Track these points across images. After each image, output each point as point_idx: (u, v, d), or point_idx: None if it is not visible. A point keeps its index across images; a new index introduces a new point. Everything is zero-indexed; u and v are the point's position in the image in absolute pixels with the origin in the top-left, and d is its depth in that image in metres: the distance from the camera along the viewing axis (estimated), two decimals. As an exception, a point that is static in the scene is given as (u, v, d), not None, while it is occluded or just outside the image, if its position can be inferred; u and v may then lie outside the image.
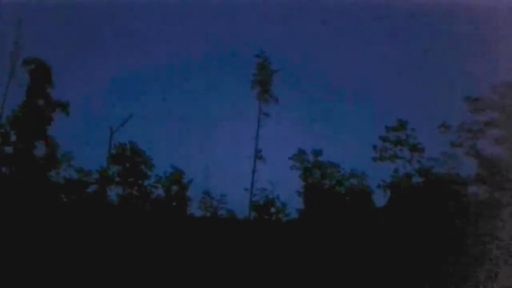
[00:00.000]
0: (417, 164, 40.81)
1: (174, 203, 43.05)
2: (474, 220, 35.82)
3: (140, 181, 42.61)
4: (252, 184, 42.64)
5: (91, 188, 41.48)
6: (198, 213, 44.36)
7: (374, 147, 41.95)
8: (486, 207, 36.86)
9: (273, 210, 43.79)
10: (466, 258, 33.32)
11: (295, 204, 43.36)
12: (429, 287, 31.28)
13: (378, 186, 40.94)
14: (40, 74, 39.45)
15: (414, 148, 41.26)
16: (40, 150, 39.89)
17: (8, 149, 39.49)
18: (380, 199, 41.08)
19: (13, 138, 39.40)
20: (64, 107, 39.63)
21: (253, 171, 42.68)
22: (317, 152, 43.89)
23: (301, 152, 44.09)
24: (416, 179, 40.55)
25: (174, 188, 43.39)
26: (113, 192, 42.35)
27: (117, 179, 42.22)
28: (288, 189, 43.74)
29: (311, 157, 43.98)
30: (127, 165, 42.48)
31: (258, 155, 42.86)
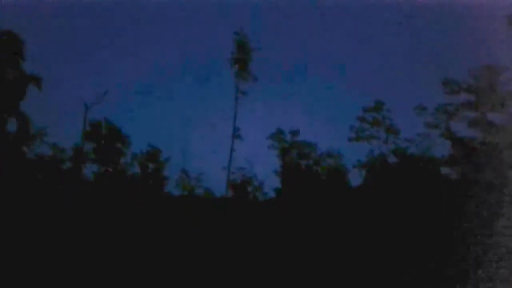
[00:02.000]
0: (392, 145, 41.36)
1: (150, 181, 42.73)
2: (445, 200, 36.64)
3: (115, 159, 42.03)
4: (229, 163, 42.53)
5: (66, 165, 40.78)
6: (175, 191, 44.24)
7: (351, 127, 42.29)
8: (458, 187, 37.72)
9: (250, 189, 43.94)
10: (436, 238, 34.16)
11: (272, 183, 43.64)
12: (403, 266, 31.99)
13: (354, 166, 41.39)
14: (12, 46, 38.15)
15: (390, 129, 41.72)
16: (12, 125, 38.87)
17: (-21, 124, 38.32)
18: (355, 179, 41.61)
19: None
20: (37, 80, 38.48)
21: (231, 150, 42.54)
22: (295, 132, 44.01)
23: (279, 131, 44.15)
24: (391, 160, 41.13)
25: (151, 166, 43.02)
26: (88, 170, 41.77)
27: (92, 156, 41.56)
28: (265, 168, 43.96)
29: (289, 137, 44.12)
30: (103, 142, 41.79)
31: (235, 134, 42.67)
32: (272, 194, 43.69)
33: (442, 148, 40.75)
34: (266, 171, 43.94)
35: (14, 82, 38.45)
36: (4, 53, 38.33)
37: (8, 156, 38.19)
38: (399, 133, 41.52)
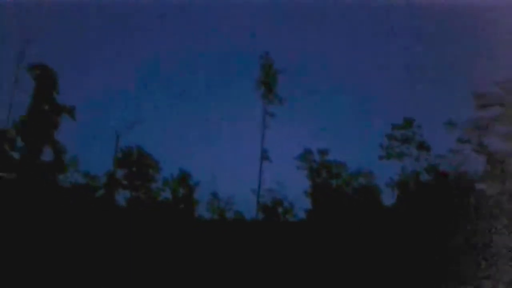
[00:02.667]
0: (424, 162, 40.72)
1: (181, 206, 42.98)
2: (482, 217, 35.74)
3: (147, 184, 42.55)
4: (259, 185, 42.54)
5: (99, 192, 41.43)
6: (206, 215, 44.34)
7: (381, 145, 41.88)
8: (494, 203, 36.78)
9: (280, 210, 43.69)
10: (473, 255, 33.25)
11: (302, 204, 43.31)
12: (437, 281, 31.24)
13: (387, 185, 40.85)
14: (46, 80, 39.46)
15: (421, 145, 41.17)
16: (47, 155, 39.84)
17: (15, 154, 39.43)
18: (388, 197, 41.00)
19: (20, 143, 39.33)
20: (70, 111, 39.59)
21: (260, 172, 42.57)
22: (324, 152, 43.81)
23: (308, 151, 44.03)
24: (424, 177, 40.45)
25: (181, 190, 43.33)
26: (121, 196, 42.35)
27: (124, 182, 42.16)
28: (295, 190, 43.76)
29: (317, 157, 43.93)
30: (134, 168, 42.41)
31: (264, 156, 42.75)
32: (302, 215, 43.36)
33: (475, 164, 39.93)
34: (296, 193, 43.72)
35: (48, 113, 39.60)
36: (38, 85, 39.61)
37: (44, 185, 39.06)
38: (431, 150, 40.90)
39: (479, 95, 40.31)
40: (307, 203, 43.01)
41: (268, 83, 43.89)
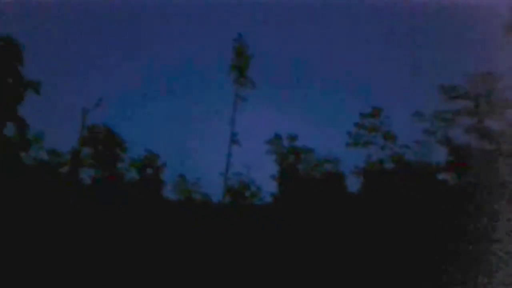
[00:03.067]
0: (389, 151, 41.42)
1: (148, 186, 42.77)
2: (442, 206, 36.69)
3: (113, 164, 42.10)
4: (227, 168, 42.59)
5: (63, 169, 40.82)
6: (172, 196, 44.26)
7: (349, 133, 42.36)
8: (454, 194, 37.79)
9: (247, 194, 43.94)
10: (433, 242, 34.19)
11: (269, 188, 43.64)
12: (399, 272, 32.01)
13: (352, 172, 41.44)
14: (10, 52, 38.28)
15: (387, 135, 41.79)
16: (10, 130, 38.94)
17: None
18: (353, 184, 41.65)
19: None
20: (35, 86, 38.61)
21: (228, 155, 42.60)
22: (293, 137, 44.09)
23: (277, 136, 44.22)
24: (389, 166, 41.18)
25: (148, 171, 43.07)
26: (86, 174, 41.81)
27: (90, 161, 41.61)
28: (263, 173, 43.97)
29: (286, 142, 44.19)
30: (100, 147, 41.86)
31: (233, 139, 42.74)
32: (269, 199, 43.71)
33: (439, 155, 40.82)
34: (264, 177, 43.98)
35: (12, 87, 38.55)
36: (2, 58, 38.44)
37: (6, 161, 38.24)
38: (396, 139, 41.58)
39: (446, 88, 41.06)
40: (274, 187, 43.38)
41: (240, 67, 43.67)
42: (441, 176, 40.64)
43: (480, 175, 38.33)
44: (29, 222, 34.48)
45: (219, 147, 42.91)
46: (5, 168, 37.80)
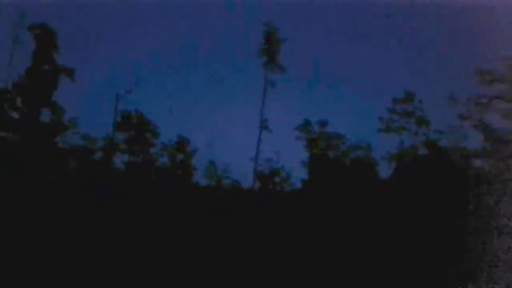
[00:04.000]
0: (423, 137, 40.68)
1: (179, 172, 43.23)
2: (477, 194, 35.89)
3: (145, 149, 42.69)
4: (257, 154, 42.61)
5: (97, 155, 41.64)
6: (203, 182, 44.63)
7: (381, 119, 41.75)
8: (491, 181, 36.87)
9: (277, 180, 43.95)
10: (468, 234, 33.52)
11: (299, 175, 43.52)
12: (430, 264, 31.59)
13: (383, 158, 40.92)
14: (45, 39, 39.07)
15: (420, 120, 41.01)
16: (45, 116, 39.87)
17: (15, 115, 39.46)
18: (385, 171, 41.15)
19: (19, 103, 39.30)
20: (69, 72, 39.37)
21: (258, 141, 42.58)
22: (323, 123, 43.74)
23: (307, 122, 43.94)
24: (422, 152, 40.48)
25: (179, 156, 43.51)
26: (119, 160, 42.56)
27: (122, 146, 42.30)
28: (293, 160, 43.84)
29: (316, 128, 43.85)
30: (132, 132, 42.47)
31: (263, 125, 42.67)
32: (299, 185, 43.64)
33: (474, 141, 39.83)
34: (294, 163, 43.84)
35: (47, 74, 39.37)
36: (38, 45, 39.27)
37: (42, 146, 39.20)
38: (430, 125, 40.78)
39: (481, 72, 39.88)
40: (304, 173, 43.23)
41: (270, 52, 43.37)
42: (477, 162, 39.69)
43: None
44: (64, 208, 35.33)
45: (249, 133, 42.90)
46: (41, 152, 38.76)
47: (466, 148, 39.67)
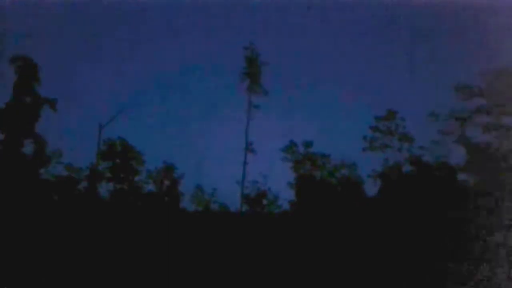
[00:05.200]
0: (407, 153, 41.07)
1: (166, 198, 42.93)
2: (463, 208, 36.19)
3: (131, 177, 42.39)
4: (243, 177, 42.60)
5: (82, 185, 41.22)
6: (190, 207, 44.34)
7: (364, 137, 42.12)
8: (475, 195, 37.23)
9: (265, 202, 43.84)
10: (457, 245, 33.69)
11: (287, 196, 43.49)
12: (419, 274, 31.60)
13: (369, 176, 41.14)
14: (27, 71, 39.02)
15: (403, 137, 41.48)
16: (28, 147, 39.50)
17: (-4, 148, 39.01)
18: (371, 188, 41.34)
19: (0, 136, 38.93)
20: (51, 103, 39.24)
21: (244, 164, 42.62)
22: (308, 144, 43.97)
23: (292, 143, 44.14)
24: (407, 168, 40.82)
25: (166, 183, 43.26)
26: (104, 189, 42.16)
27: (107, 175, 41.96)
28: (279, 181, 43.86)
29: (302, 149, 44.06)
30: (118, 160, 42.20)
31: (249, 148, 42.77)
32: (286, 206, 43.56)
33: (457, 156, 40.34)
34: (281, 184, 43.85)
35: (30, 105, 39.20)
36: (19, 77, 39.17)
37: (25, 178, 38.73)
38: (413, 141, 41.23)
39: (461, 87, 40.67)
40: (291, 194, 43.21)
41: (252, 74, 43.78)
42: (460, 176, 40.12)
43: (499, 174, 37.80)
44: (49, 237, 34.78)
45: (235, 156, 42.92)
46: (24, 184, 38.27)
47: (449, 163, 40.18)
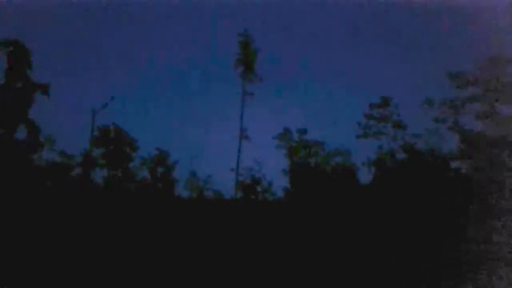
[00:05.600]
0: (401, 141, 41.18)
1: (160, 185, 42.86)
2: (457, 194, 36.47)
3: (124, 163, 42.19)
4: (237, 164, 42.57)
5: (75, 171, 41.00)
6: (184, 194, 44.32)
7: (359, 124, 42.13)
8: (468, 182, 37.52)
9: (259, 189, 43.91)
10: (450, 232, 34.02)
11: (281, 183, 43.58)
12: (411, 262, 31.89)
13: (363, 163, 41.25)
14: (19, 56, 38.44)
15: (397, 124, 41.55)
16: (21, 133, 39.13)
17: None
18: (365, 176, 41.50)
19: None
20: (44, 88, 38.74)
21: (239, 151, 42.57)
22: (302, 131, 43.94)
23: (286, 131, 44.09)
24: (400, 155, 40.97)
25: (160, 169, 43.15)
26: (98, 175, 41.99)
27: (101, 161, 41.74)
28: (274, 168, 43.92)
29: (296, 136, 44.05)
30: (111, 147, 41.96)
31: (243, 135, 42.71)
32: (281, 194, 43.67)
33: (451, 143, 40.56)
34: (275, 171, 43.92)
35: (22, 91, 38.73)
36: (11, 62, 38.63)
37: (18, 164, 38.46)
38: (407, 129, 41.34)
39: (455, 75, 40.73)
40: (285, 181, 43.29)
41: (247, 62, 43.52)
42: (454, 164, 40.37)
43: (492, 162, 38.09)
44: (41, 225, 34.68)
45: (229, 143, 42.85)
46: (18, 171, 38.02)
47: (443, 151, 40.38)
